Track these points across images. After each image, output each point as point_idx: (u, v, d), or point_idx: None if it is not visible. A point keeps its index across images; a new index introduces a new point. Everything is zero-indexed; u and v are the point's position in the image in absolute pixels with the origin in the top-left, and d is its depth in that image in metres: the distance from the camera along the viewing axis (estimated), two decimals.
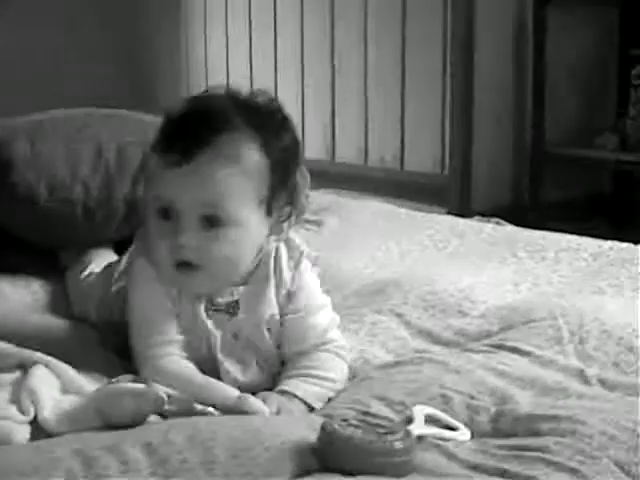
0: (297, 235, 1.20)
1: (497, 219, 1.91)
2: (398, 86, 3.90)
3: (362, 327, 1.30)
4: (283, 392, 1.08)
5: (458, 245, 1.71)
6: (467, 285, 1.45)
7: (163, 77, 5.23)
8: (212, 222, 1.07)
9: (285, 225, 1.15)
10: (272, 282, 1.14)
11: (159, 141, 1.10)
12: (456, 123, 3.61)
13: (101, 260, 1.50)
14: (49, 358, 1.05)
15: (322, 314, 1.17)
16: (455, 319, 1.34)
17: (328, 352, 1.14)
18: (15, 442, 0.93)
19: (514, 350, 1.17)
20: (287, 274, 1.15)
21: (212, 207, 1.07)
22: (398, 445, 0.86)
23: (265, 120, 1.11)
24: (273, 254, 1.15)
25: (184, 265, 1.08)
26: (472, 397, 1.02)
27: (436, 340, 1.28)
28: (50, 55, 4.90)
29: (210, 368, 1.10)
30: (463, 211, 3.30)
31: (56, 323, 1.31)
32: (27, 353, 1.07)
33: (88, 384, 1.03)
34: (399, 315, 1.35)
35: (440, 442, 0.92)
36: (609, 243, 1.68)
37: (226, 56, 4.81)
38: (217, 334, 1.12)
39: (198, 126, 1.07)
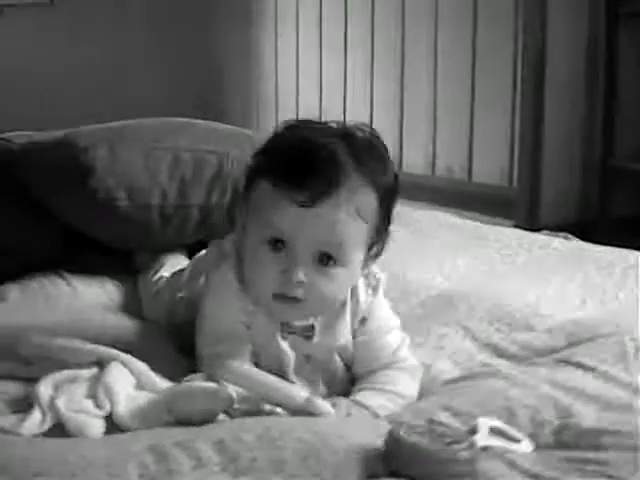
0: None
1: (565, 234, 1.91)
2: (468, 98, 3.90)
3: (428, 339, 1.32)
4: (355, 402, 1.10)
5: (525, 259, 1.71)
6: (534, 299, 1.46)
7: (232, 89, 5.29)
8: (325, 260, 1.09)
9: (372, 261, 1.17)
10: (348, 309, 1.17)
11: (280, 171, 1.09)
12: (525, 136, 3.60)
13: (172, 265, 1.54)
14: (125, 355, 1.08)
15: (393, 335, 1.20)
16: (521, 333, 1.35)
17: (399, 370, 1.16)
18: (90, 436, 0.97)
19: (579, 365, 1.17)
20: (363, 301, 1.18)
21: (330, 247, 1.09)
22: (463, 454, 0.88)
23: (376, 160, 1.13)
24: None
25: (287, 299, 1.09)
26: (537, 410, 1.03)
27: (502, 354, 1.29)
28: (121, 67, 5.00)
29: None
30: (530, 224, 3.29)
31: (130, 323, 1.34)
32: (103, 350, 1.10)
33: (161, 382, 1.06)
34: (465, 328, 1.36)
35: (503, 453, 0.93)
36: None
37: (296, 70, 4.86)
38: (291, 355, 1.14)
39: (327, 169, 1.07)
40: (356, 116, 4.47)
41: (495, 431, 0.97)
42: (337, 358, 1.17)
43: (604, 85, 3.49)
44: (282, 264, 1.08)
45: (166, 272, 1.51)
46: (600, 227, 3.47)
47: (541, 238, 1.86)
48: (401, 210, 2.07)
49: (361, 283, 1.18)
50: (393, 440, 0.89)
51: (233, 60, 5.27)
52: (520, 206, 3.60)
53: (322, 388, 1.15)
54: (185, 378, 1.05)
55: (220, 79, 5.35)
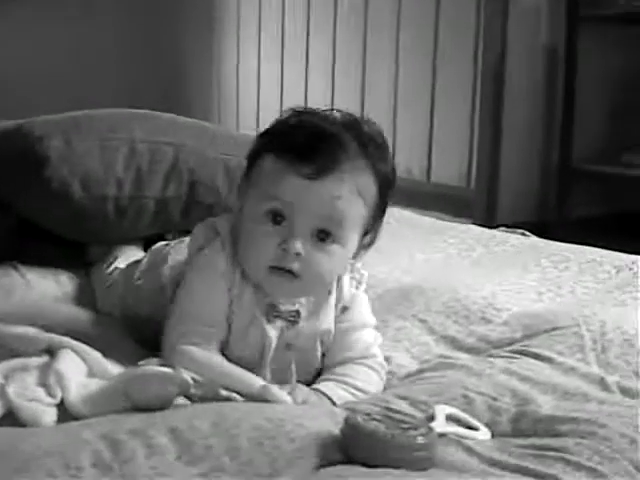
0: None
1: (522, 230, 1.92)
2: (427, 100, 3.92)
3: (386, 332, 1.31)
4: (315, 390, 1.10)
5: (482, 253, 1.72)
6: (490, 292, 1.46)
7: (195, 90, 5.28)
8: (323, 237, 1.09)
9: (364, 251, 1.18)
10: (333, 296, 1.17)
11: (287, 147, 1.10)
12: (483, 137, 3.63)
13: (127, 257, 1.52)
14: (76, 342, 1.07)
15: (369, 331, 1.20)
16: (478, 326, 1.35)
17: (367, 367, 1.16)
18: (43, 424, 0.95)
19: (536, 356, 1.18)
20: (347, 291, 1.18)
21: (330, 223, 1.09)
22: (420, 440, 0.87)
23: (377, 148, 1.13)
24: None
25: (283, 271, 1.09)
26: (494, 399, 1.03)
27: (459, 346, 1.30)
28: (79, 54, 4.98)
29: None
30: (488, 225, 3.31)
31: (84, 314, 1.34)
32: (55, 338, 1.08)
33: (114, 368, 1.05)
34: (422, 321, 1.36)
35: (461, 439, 0.93)
36: (632, 257, 1.68)
37: (257, 66, 4.86)
38: (273, 340, 1.13)
39: (333, 147, 1.08)
40: None
41: (452, 418, 0.97)
42: (318, 345, 1.17)
43: (563, 88, 3.52)
44: (281, 236, 1.08)
45: (121, 264, 1.49)
46: (557, 228, 3.50)
47: (498, 234, 1.87)
48: None
49: (346, 275, 1.18)
50: (350, 427, 0.88)
51: (196, 61, 5.26)
52: (478, 207, 3.62)
53: (294, 378, 1.14)
54: (140, 362, 1.04)
55: (183, 79, 5.34)
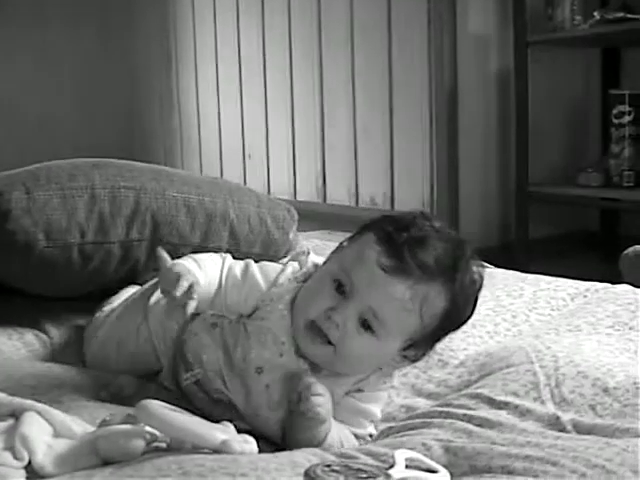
0: None
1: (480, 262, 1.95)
2: (387, 129, 3.96)
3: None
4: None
5: None
6: None
7: (155, 135, 5.30)
8: (365, 326, 1.13)
9: (407, 363, 1.21)
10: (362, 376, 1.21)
11: (385, 236, 1.13)
12: (440, 165, 3.67)
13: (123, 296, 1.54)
14: (40, 405, 1.08)
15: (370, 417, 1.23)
16: (436, 370, 1.38)
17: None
18: None
19: (491, 402, 1.21)
20: (374, 381, 1.22)
21: (375, 319, 1.13)
22: None
23: (470, 289, 1.17)
24: None
25: (319, 331, 1.14)
26: (450, 441, 1.06)
27: (419, 393, 1.33)
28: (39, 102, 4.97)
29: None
30: None
31: (48, 369, 1.34)
32: (18, 401, 1.09)
33: (78, 427, 1.06)
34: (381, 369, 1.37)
35: None
36: (587, 284, 1.72)
37: (217, 104, 4.88)
38: (288, 370, 1.17)
39: (423, 257, 1.11)
40: (279, 152, 4.53)
41: (412, 463, 0.99)
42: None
43: (515, 113, 3.58)
44: (334, 303, 1.13)
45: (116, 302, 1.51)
46: (519, 250, 3.55)
47: None
48: (325, 239, 2.13)
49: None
50: (310, 479, 0.90)
51: (156, 105, 5.28)
52: None
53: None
54: (106, 418, 1.06)
55: (142, 125, 5.36)
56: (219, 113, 4.90)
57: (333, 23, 4.16)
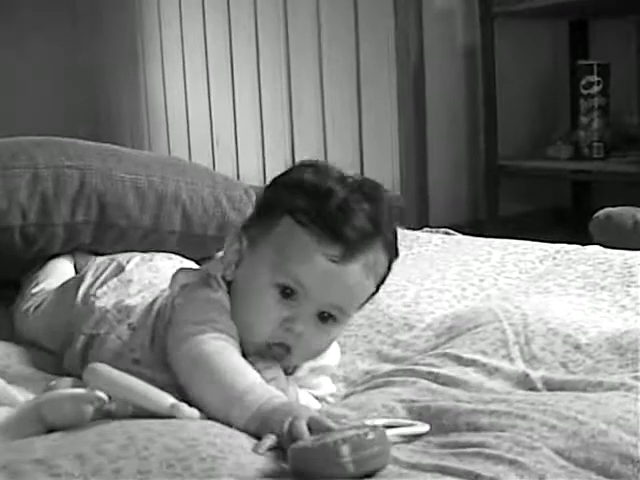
0: None
1: (446, 229, 1.91)
2: (355, 110, 3.92)
3: None
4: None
5: (405, 255, 1.69)
6: (413, 297, 1.44)
7: (123, 122, 5.26)
8: (327, 319, 1.06)
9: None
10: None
11: (312, 217, 1.04)
12: (409, 143, 3.63)
13: (58, 276, 1.48)
14: None
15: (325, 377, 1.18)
16: (402, 333, 1.33)
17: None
18: None
19: (459, 359, 1.16)
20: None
21: (338, 311, 1.06)
22: (371, 436, 0.82)
23: (392, 225, 1.09)
24: None
25: (279, 346, 1.06)
26: (414, 401, 1.01)
27: (385, 358, 1.27)
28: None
29: None
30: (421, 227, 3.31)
31: None
32: None
33: (20, 395, 1.02)
34: (346, 337, 1.31)
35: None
36: (556, 246, 1.67)
37: (184, 91, 4.84)
38: None
39: (360, 225, 1.03)
40: (247, 138, 4.48)
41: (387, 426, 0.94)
42: None
43: (483, 87, 3.53)
44: (287, 311, 1.04)
45: (51, 285, 1.45)
46: (489, 227, 3.51)
47: (422, 235, 1.85)
48: None
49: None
50: (300, 451, 0.83)
51: (123, 94, 5.23)
52: (409, 213, 3.62)
53: None
54: (52, 383, 1.01)
55: (110, 115, 5.31)
56: (186, 100, 4.84)
57: (299, 6, 4.10)
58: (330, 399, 1.16)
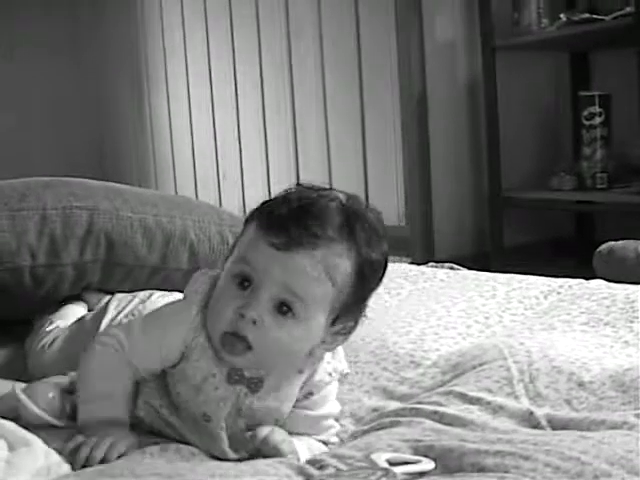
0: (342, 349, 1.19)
1: (450, 264, 1.92)
2: (359, 142, 3.93)
3: None
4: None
5: (411, 291, 1.71)
6: (418, 334, 1.45)
7: (128, 155, 5.28)
8: (284, 310, 1.06)
9: (341, 339, 1.14)
10: (303, 377, 1.14)
11: (266, 216, 1.09)
12: (412, 175, 3.64)
13: (71, 314, 1.50)
14: None
15: (330, 420, 1.19)
16: (408, 371, 1.34)
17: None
18: None
19: (463, 397, 1.17)
20: (319, 379, 1.15)
21: (291, 296, 1.06)
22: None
23: (365, 233, 1.09)
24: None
25: (237, 338, 1.06)
26: (418, 440, 1.02)
27: (391, 396, 1.28)
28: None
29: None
30: (426, 261, 3.31)
31: None
32: None
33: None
34: (352, 374, 1.32)
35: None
36: (560, 281, 1.69)
37: (190, 127, 4.86)
38: (228, 403, 1.11)
39: (311, 223, 1.06)
40: (253, 171, 4.50)
41: (392, 462, 0.95)
42: (271, 419, 1.13)
43: (486, 119, 3.55)
44: (242, 301, 1.06)
45: (63, 323, 1.47)
46: (495, 258, 3.52)
47: (427, 270, 1.86)
48: None
49: (326, 363, 1.15)
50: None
51: (128, 128, 5.25)
52: (414, 244, 3.63)
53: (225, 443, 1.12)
54: None
55: (115, 149, 5.33)
56: (192, 135, 4.87)
57: (302, 38, 4.13)
58: (334, 439, 1.17)
